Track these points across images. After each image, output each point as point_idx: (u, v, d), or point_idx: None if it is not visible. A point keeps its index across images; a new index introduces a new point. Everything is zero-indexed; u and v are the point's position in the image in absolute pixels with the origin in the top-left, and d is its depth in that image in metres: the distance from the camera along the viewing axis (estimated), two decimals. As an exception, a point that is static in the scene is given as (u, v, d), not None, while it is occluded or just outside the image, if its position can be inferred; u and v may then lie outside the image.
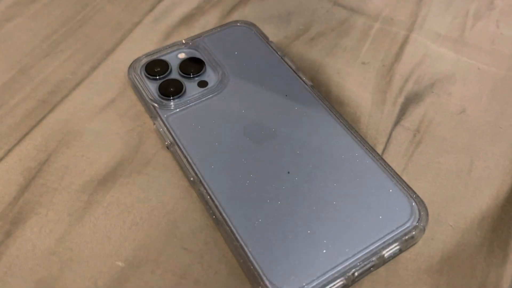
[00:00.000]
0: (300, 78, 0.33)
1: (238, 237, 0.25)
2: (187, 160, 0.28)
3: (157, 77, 0.33)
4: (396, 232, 0.25)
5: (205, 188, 0.27)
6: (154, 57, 0.34)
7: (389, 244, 0.25)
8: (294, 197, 0.27)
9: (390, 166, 0.28)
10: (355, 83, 0.34)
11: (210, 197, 0.27)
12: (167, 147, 0.30)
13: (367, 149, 0.29)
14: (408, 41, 0.37)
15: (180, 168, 0.29)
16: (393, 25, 0.38)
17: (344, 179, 0.27)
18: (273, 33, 0.37)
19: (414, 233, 0.25)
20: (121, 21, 0.39)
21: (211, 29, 0.36)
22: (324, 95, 0.32)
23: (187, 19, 0.39)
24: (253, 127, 0.30)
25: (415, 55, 0.36)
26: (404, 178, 0.28)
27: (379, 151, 0.30)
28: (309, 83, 0.32)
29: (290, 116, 0.31)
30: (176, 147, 0.29)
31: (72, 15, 0.39)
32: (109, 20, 0.39)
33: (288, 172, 0.28)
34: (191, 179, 0.28)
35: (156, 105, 0.31)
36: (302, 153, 0.29)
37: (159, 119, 0.31)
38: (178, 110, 0.31)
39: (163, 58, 0.34)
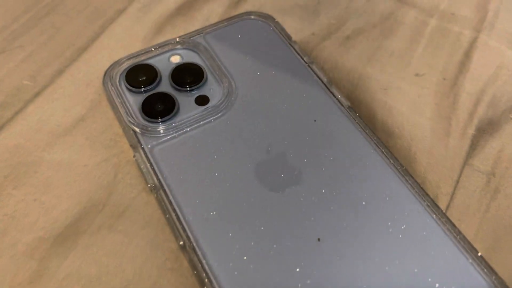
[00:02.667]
0: (334, 95, 0.25)
1: None
2: (177, 214, 0.21)
3: (142, 89, 0.25)
4: None
5: (200, 260, 0.20)
6: (139, 60, 0.26)
7: None
8: (326, 279, 0.19)
9: (458, 230, 0.21)
10: (408, 104, 0.26)
11: (207, 274, 0.19)
12: (150, 190, 0.22)
13: (426, 202, 0.21)
14: (476, 45, 0.29)
15: (167, 223, 0.21)
16: (455, 22, 0.30)
17: (397, 249, 0.20)
18: (297, 29, 0.30)
19: None
20: (100, 8, 0.31)
21: (216, 23, 0.28)
22: (366, 121, 0.24)
23: (186, 7, 0.31)
24: (270, 166, 0.22)
25: (487, 65, 0.27)
26: (478, 247, 0.20)
27: (443, 205, 0.22)
28: (346, 103, 0.24)
29: (321, 151, 0.23)
30: (161, 192, 0.22)
31: (38, -2, 0.31)
32: (84, 6, 0.31)
33: (318, 239, 0.20)
34: (181, 243, 0.20)
35: (137, 129, 0.23)
36: (338, 210, 0.21)
37: (140, 149, 0.23)
38: (167, 137, 0.23)
39: (150, 62, 0.26)
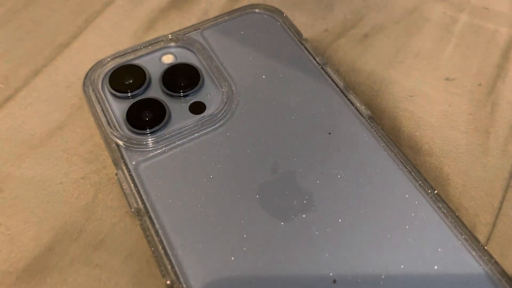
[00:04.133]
0: (351, 103, 0.22)
1: None
2: (164, 246, 0.18)
3: (128, 94, 0.22)
4: None
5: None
6: (125, 60, 0.23)
7: None
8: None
9: (502, 269, 0.17)
10: (438, 115, 0.22)
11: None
12: (134, 215, 0.19)
13: (463, 236, 0.18)
14: (515, 45, 0.25)
15: (152, 255, 0.18)
16: (489, 19, 0.27)
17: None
18: (308, 24, 0.27)
19: None
20: (85, 0, 0.27)
21: (215, 18, 0.25)
22: (389, 135, 0.21)
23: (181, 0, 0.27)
24: (277, 189, 0.19)
25: (530, 68, 0.24)
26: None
27: (482, 237, 0.19)
28: (366, 112, 0.21)
29: (336, 171, 0.20)
30: (146, 218, 0.18)
31: (16, -12, 0.28)
32: (68, -3, 0.28)
33: (334, 281, 0.17)
34: (168, 282, 0.17)
35: (120, 142, 0.20)
36: (358, 245, 0.18)
37: (123, 166, 0.20)
38: (156, 152, 0.20)
39: (138, 62, 0.23)
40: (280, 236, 0.18)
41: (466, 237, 0.18)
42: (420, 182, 0.19)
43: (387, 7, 0.28)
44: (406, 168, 0.20)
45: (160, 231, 0.18)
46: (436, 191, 0.19)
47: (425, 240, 0.18)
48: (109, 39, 0.26)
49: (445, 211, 0.19)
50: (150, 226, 0.18)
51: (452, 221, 0.18)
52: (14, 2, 0.27)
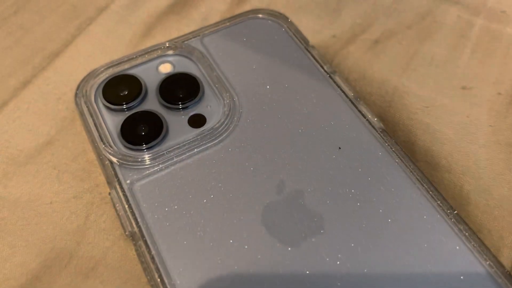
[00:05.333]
0: (362, 115, 0.21)
1: None
2: (161, 275, 0.16)
3: (123, 107, 0.21)
4: None
5: None
6: (120, 70, 0.22)
7: None
8: None
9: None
10: (455, 127, 0.21)
11: None
12: (129, 238, 0.18)
13: (487, 262, 0.17)
14: (535, 51, 0.24)
15: (147, 283, 0.17)
16: (507, 23, 0.26)
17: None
18: (315, 30, 0.26)
19: None
20: (78, 6, 0.26)
21: (216, 23, 0.24)
22: (403, 148, 0.20)
23: (180, 4, 0.27)
24: (283, 210, 0.18)
25: (553, 76, 0.23)
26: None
27: (508, 263, 0.18)
28: (378, 124, 0.20)
29: (347, 189, 0.18)
30: (141, 243, 0.17)
31: (6, -7, 0.27)
32: (60, 3, 0.27)
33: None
34: (166, 315, 0.16)
35: (114, 159, 0.19)
36: (373, 272, 0.16)
37: (117, 185, 0.19)
38: (152, 169, 0.19)
39: (133, 72, 0.22)
40: (287, 263, 0.17)
41: (491, 262, 0.17)
42: (438, 202, 0.18)
43: (398, 11, 0.26)
44: (423, 185, 0.18)
45: (156, 257, 0.17)
46: (456, 211, 0.18)
47: (446, 266, 0.17)
48: (103, 47, 0.25)
49: (466, 233, 0.17)
50: (145, 251, 0.17)
51: (475, 244, 0.17)
52: (4, 8, 0.26)
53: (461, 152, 0.21)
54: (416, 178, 0.19)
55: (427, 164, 0.20)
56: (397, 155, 0.19)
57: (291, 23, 0.24)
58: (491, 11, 0.26)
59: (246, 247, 0.17)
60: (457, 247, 0.17)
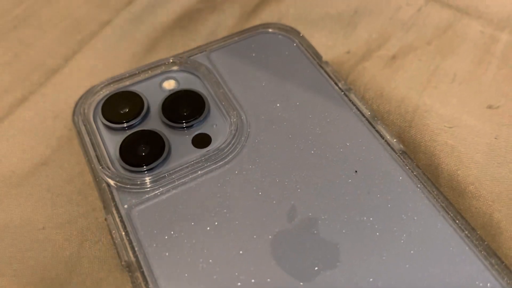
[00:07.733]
0: (381, 135, 0.19)
1: None
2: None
3: (123, 125, 0.20)
4: None
5: None
6: (120, 86, 0.21)
7: None
8: None
9: None
10: (483, 149, 0.20)
11: None
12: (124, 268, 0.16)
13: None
14: None
15: (145, 320, 0.16)
16: (534, 38, 0.24)
17: None
18: (328, 45, 0.25)
19: None
20: (81, 20, 0.26)
21: (224, 38, 0.24)
22: (425, 172, 0.19)
23: (186, 19, 0.27)
24: (294, 241, 0.17)
25: None
26: None
27: None
28: (398, 146, 0.19)
29: (365, 218, 0.17)
30: (138, 274, 0.16)
31: (7, 7, 0.27)
32: (62, 18, 0.26)
33: None
34: None
35: (111, 182, 0.18)
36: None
37: (114, 210, 0.17)
38: (152, 193, 0.18)
39: (135, 89, 0.21)
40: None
41: (527, 301, 0.15)
42: (466, 232, 0.17)
43: (416, 25, 0.25)
44: (449, 214, 0.17)
45: (154, 292, 0.16)
46: (486, 242, 0.16)
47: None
48: (105, 63, 0.24)
49: (498, 268, 0.16)
50: (142, 284, 0.16)
51: (508, 280, 0.16)
52: (3, 22, 0.26)
53: (490, 177, 0.19)
54: (441, 205, 0.17)
55: (452, 190, 0.19)
56: (419, 180, 0.18)
57: (303, 38, 0.23)
58: (517, 25, 0.25)
59: (253, 281, 0.16)
60: (489, 284, 0.16)
